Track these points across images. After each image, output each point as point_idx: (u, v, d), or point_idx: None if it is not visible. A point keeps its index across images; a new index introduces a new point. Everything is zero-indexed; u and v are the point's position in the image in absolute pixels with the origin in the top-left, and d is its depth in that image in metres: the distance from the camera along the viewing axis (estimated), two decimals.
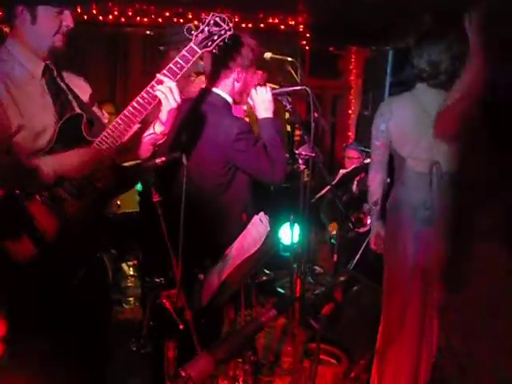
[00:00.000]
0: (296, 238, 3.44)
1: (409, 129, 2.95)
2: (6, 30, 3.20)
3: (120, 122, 2.22)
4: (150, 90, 2.25)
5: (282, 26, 7.40)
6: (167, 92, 2.23)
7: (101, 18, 6.54)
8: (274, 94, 3.03)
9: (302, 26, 7.53)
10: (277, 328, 4.28)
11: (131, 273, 5.14)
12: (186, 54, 2.26)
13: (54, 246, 2.14)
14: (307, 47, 7.62)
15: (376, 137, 3.14)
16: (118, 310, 4.67)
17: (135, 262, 5.10)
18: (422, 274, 2.94)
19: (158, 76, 2.25)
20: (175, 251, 1.95)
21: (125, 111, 2.23)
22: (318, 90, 7.60)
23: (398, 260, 3.08)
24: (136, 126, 2.27)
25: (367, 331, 3.58)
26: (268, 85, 3.83)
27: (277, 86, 4.11)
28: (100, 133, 2.24)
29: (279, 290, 5.03)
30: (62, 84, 2.38)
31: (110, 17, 6.66)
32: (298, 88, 3.07)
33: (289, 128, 5.15)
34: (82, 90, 2.49)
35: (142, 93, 2.25)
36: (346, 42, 7.92)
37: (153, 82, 2.25)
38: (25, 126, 2.15)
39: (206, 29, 2.26)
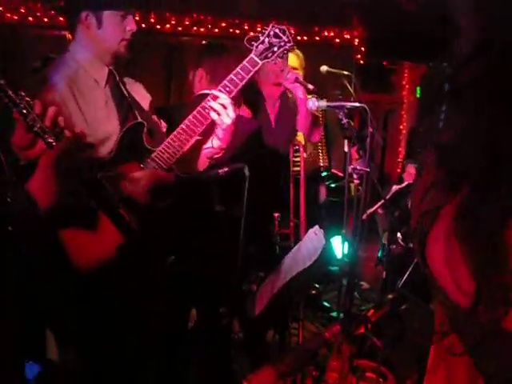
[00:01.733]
0: (345, 253, 3.42)
1: None
2: (69, 36, 3.28)
3: (181, 132, 2.22)
4: (206, 105, 2.24)
5: (337, 40, 7.39)
6: (220, 109, 2.21)
7: (158, 26, 6.63)
8: (331, 107, 3.03)
9: (357, 40, 7.50)
10: None
11: None
12: (246, 64, 2.23)
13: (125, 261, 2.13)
14: (361, 61, 7.58)
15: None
16: None
17: None
18: None
19: (213, 92, 2.24)
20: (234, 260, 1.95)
21: (186, 121, 2.23)
22: (370, 104, 7.52)
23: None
24: (195, 138, 2.26)
25: (415, 351, 3.52)
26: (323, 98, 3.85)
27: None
28: (159, 142, 2.25)
29: (325, 304, 4.99)
30: (124, 91, 2.39)
31: (168, 26, 6.75)
32: (357, 105, 3.05)
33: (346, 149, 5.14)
34: (142, 97, 2.50)
35: (199, 107, 2.24)
36: (402, 57, 7.85)
37: (209, 96, 2.24)
38: (89, 135, 2.10)
39: (267, 40, 2.23)
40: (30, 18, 6.75)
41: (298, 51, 4.37)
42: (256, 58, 2.23)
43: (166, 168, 2.23)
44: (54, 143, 1.73)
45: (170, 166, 2.24)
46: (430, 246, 1.28)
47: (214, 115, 2.21)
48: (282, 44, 2.25)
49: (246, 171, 2.00)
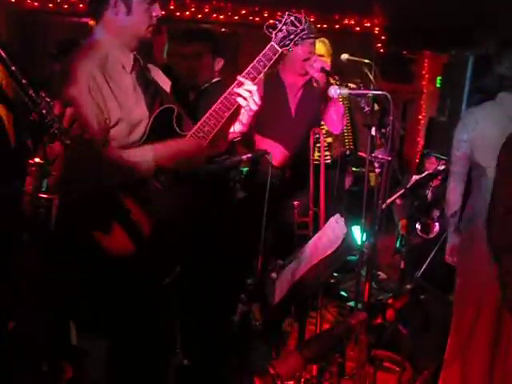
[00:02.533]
0: (364, 242, 3.40)
1: (494, 139, 2.86)
2: (91, 23, 3.27)
3: (210, 117, 2.25)
4: (233, 91, 2.28)
5: (358, 28, 7.34)
6: (248, 96, 2.27)
7: (178, 13, 6.62)
8: (353, 95, 3.02)
9: (377, 28, 7.44)
10: None
11: None
12: (268, 52, 2.29)
13: (150, 242, 2.15)
14: (381, 50, 7.52)
15: (457, 147, 3.07)
16: None
17: None
18: (497, 287, 2.85)
19: (239, 78, 2.28)
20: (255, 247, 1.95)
21: (214, 107, 2.27)
22: (390, 93, 7.47)
23: (472, 272, 3.00)
24: (222, 123, 2.29)
25: (433, 341, 3.51)
26: (349, 84, 3.83)
27: (355, 86, 4.09)
28: (186, 126, 2.28)
29: (343, 293, 4.98)
30: (149, 76, 2.40)
31: (187, 13, 6.74)
32: (379, 93, 3.03)
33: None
34: (164, 82, 2.51)
35: (229, 89, 2.28)
36: (423, 46, 7.78)
37: (235, 83, 2.28)
38: (123, 119, 2.17)
39: (284, 28, 2.29)
40: (50, 5, 6.77)
41: (324, 39, 4.35)
42: (276, 46, 2.29)
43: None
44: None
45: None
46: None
47: (241, 101, 2.26)
48: (299, 32, 2.31)
49: (270, 157, 1.99)
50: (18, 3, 6.67)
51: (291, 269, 2.30)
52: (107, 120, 2.15)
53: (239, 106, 2.32)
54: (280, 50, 2.30)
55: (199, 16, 6.82)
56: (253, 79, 2.29)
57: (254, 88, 2.27)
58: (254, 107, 2.30)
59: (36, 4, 6.74)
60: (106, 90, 2.15)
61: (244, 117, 2.36)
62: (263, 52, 2.30)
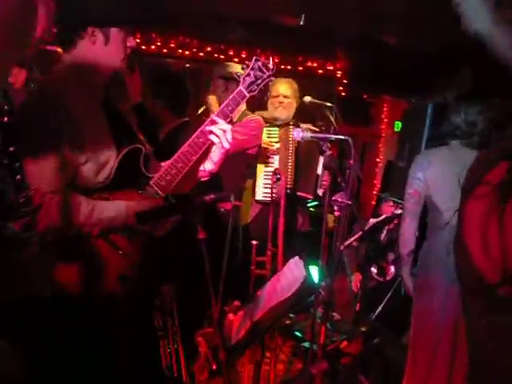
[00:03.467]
0: (319, 283, 3.41)
1: (447, 182, 2.94)
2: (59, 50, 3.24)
3: (178, 159, 2.25)
4: (205, 131, 2.29)
5: (320, 71, 7.46)
6: (221, 134, 2.28)
7: (144, 47, 6.63)
8: (315, 138, 3.05)
9: (339, 72, 7.58)
10: (294, 372, 4.21)
11: None
12: (236, 96, 2.33)
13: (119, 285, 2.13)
14: (343, 93, 7.66)
15: (411, 185, 3.14)
16: None
17: None
18: (451, 331, 2.88)
19: (212, 117, 2.30)
20: (215, 290, 1.93)
21: (182, 149, 2.27)
22: (350, 135, 7.59)
23: (426, 314, 3.03)
24: (191, 164, 2.30)
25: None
26: (309, 127, 3.89)
27: (317, 129, 4.16)
28: (153, 167, 2.28)
29: (297, 333, 4.95)
30: (119, 112, 2.35)
31: (153, 47, 6.76)
32: (341, 137, 3.08)
33: (319, 171, 5.14)
34: (132, 118, 2.47)
35: (197, 132, 2.29)
36: (382, 91, 7.95)
37: (206, 122, 2.29)
38: (91, 158, 2.11)
39: (252, 73, 2.35)
40: None
41: (292, 81, 4.43)
42: (244, 91, 2.34)
43: (164, 195, 2.26)
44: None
45: (168, 192, 2.27)
46: (467, 220, 1.48)
47: (214, 139, 2.28)
48: (265, 77, 2.37)
49: (232, 199, 2.00)
50: None
51: (249, 310, 2.28)
52: (76, 158, 2.09)
53: (207, 148, 2.33)
54: (247, 95, 2.34)
55: (164, 51, 6.84)
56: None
57: (228, 127, 2.30)
58: (227, 146, 2.32)
59: None
60: (76, 126, 2.08)
61: (215, 155, 2.38)
62: (231, 96, 2.33)
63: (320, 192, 4.54)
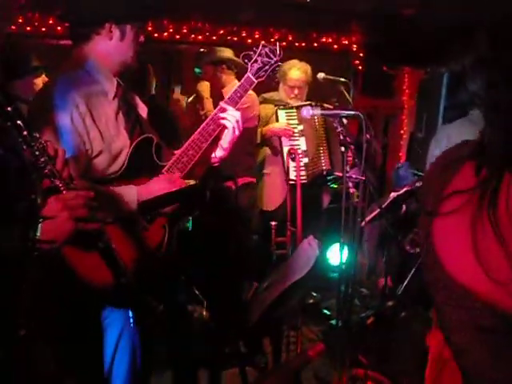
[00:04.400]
0: (344, 260, 3.40)
1: None
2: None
3: (189, 147, 2.30)
4: (215, 118, 2.34)
5: (336, 46, 7.38)
6: (234, 122, 2.33)
7: (156, 34, 6.62)
8: (325, 115, 3.03)
9: (355, 46, 7.49)
10: None
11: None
12: (244, 83, 2.38)
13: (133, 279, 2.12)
14: (360, 67, 7.57)
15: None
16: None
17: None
18: None
19: (222, 104, 2.34)
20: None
21: (193, 137, 2.31)
22: (370, 109, 7.54)
23: None
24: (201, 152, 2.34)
25: (415, 359, 3.49)
26: (324, 105, 3.87)
27: (331, 106, 4.13)
28: (165, 156, 2.31)
29: (325, 311, 4.96)
30: (131, 102, 2.39)
31: (165, 34, 6.75)
32: (352, 113, 3.04)
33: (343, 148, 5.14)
34: (141, 108, 2.50)
35: (208, 120, 2.33)
36: (400, 62, 7.84)
37: (216, 110, 2.34)
38: (104, 150, 2.14)
39: (259, 59, 2.38)
40: (28, 28, 6.75)
41: (306, 66, 4.41)
42: (252, 77, 2.39)
43: None
44: (62, 188, 1.69)
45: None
46: (443, 240, 1.28)
47: (227, 123, 2.33)
48: (273, 62, 2.42)
49: (236, 180, 2.00)
50: None
51: (265, 292, 2.29)
52: (89, 151, 2.12)
53: (217, 135, 2.36)
54: (256, 82, 2.39)
55: (177, 37, 6.82)
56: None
57: (238, 114, 2.34)
58: (238, 132, 2.37)
59: (13, 27, 6.72)
60: (89, 119, 2.12)
61: (225, 141, 2.41)
62: (240, 83, 2.39)
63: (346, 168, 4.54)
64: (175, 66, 7.52)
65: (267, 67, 2.39)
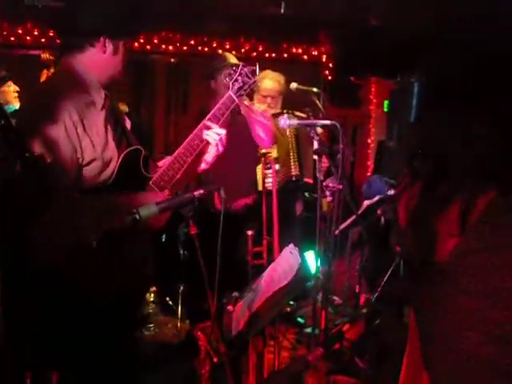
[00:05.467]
0: (317, 268, 3.43)
1: None
2: (44, 55, 3.25)
3: (175, 161, 2.37)
4: (199, 134, 2.40)
5: (305, 56, 7.46)
6: (217, 138, 2.42)
7: (127, 45, 6.60)
8: (302, 125, 3.05)
9: (324, 56, 7.57)
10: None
11: (152, 299, 5.14)
12: (226, 101, 2.46)
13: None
14: (329, 77, 7.66)
15: None
16: (138, 337, 4.63)
17: (155, 288, 5.10)
18: None
19: (206, 122, 2.42)
20: (210, 284, 1.95)
21: (178, 152, 2.38)
22: (339, 119, 7.60)
23: None
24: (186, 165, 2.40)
25: (389, 365, 3.53)
26: (297, 113, 3.91)
27: (303, 115, 4.17)
28: (151, 168, 2.39)
29: (300, 320, 4.99)
30: (117, 114, 2.43)
31: (136, 44, 6.74)
32: (328, 122, 3.08)
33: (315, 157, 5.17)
34: (126, 121, 2.55)
35: (192, 135, 2.40)
36: (370, 73, 7.95)
37: (200, 126, 2.41)
38: (96, 159, 2.18)
39: (240, 78, 2.49)
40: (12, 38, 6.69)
41: (279, 77, 4.45)
42: (233, 96, 2.47)
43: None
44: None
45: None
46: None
47: (211, 140, 2.41)
48: (251, 83, 2.53)
49: (222, 193, 2.01)
50: None
51: (247, 301, 2.30)
52: (80, 159, 2.15)
53: (201, 149, 2.44)
54: (236, 101, 2.47)
55: (148, 47, 6.83)
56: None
57: (222, 132, 2.43)
58: (221, 149, 2.46)
59: None
60: (81, 128, 2.15)
61: (209, 156, 2.50)
62: (222, 101, 2.47)
63: (319, 175, 4.57)
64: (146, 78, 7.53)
65: (246, 86, 2.49)
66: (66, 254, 2.00)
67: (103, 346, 2.12)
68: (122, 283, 2.14)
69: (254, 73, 2.51)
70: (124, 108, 5.48)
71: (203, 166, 2.53)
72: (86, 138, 2.16)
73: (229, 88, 2.47)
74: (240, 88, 2.47)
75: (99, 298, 2.05)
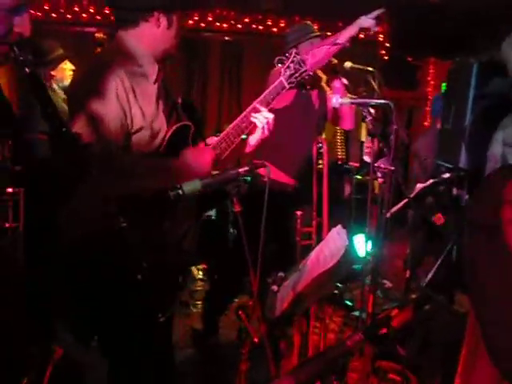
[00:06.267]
0: (368, 251, 3.38)
1: None
2: (98, 35, 3.28)
3: (222, 140, 2.37)
4: (248, 116, 2.39)
5: (362, 35, 7.31)
6: (264, 122, 2.39)
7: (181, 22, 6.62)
8: (355, 104, 3.00)
9: (381, 36, 7.42)
10: None
11: (200, 276, 5.17)
12: (278, 86, 2.43)
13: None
14: (385, 57, 7.51)
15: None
16: (185, 313, 4.68)
17: (205, 265, 5.13)
18: None
19: (255, 104, 2.40)
20: (253, 262, 1.93)
21: (226, 131, 2.38)
22: (394, 100, 7.46)
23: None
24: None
25: (439, 352, 3.46)
26: (348, 95, 3.83)
27: (354, 96, 4.08)
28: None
29: (348, 302, 4.94)
30: (168, 89, 2.44)
31: (190, 22, 6.74)
32: (382, 102, 3.00)
33: (363, 138, 5.08)
34: (177, 96, 2.58)
35: (241, 116, 2.39)
36: (427, 52, 7.76)
37: (249, 109, 2.39)
38: (145, 127, 2.20)
39: (292, 65, 2.43)
40: (54, 15, 6.79)
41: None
42: (285, 82, 2.43)
43: None
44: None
45: None
46: None
47: (258, 123, 2.39)
48: (303, 71, 2.45)
49: (268, 170, 1.98)
50: None
51: (292, 281, 2.27)
52: (129, 126, 2.17)
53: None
54: (287, 87, 2.42)
55: (202, 25, 6.82)
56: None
57: (271, 116, 2.40)
58: (267, 133, 2.43)
59: (39, 14, 6.76)
60: (132, 96, 2.17)
61: (254, 139, 2.50)
62: (273, 85, 2.43)
63: (366, 158, 4.50)
64: (200, 56, 7.54)
65: (297, 74, 2.43)
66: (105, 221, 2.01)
67: (139, 320, 2.12)
68: (158, 257, 2.13)
69: (304, 63, 2.45)
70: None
71: (248, 149, 2.53)
72: (136, 106, 2.18)
73: (280, 74, 2.43)
74: (291, 75, 2.42)
75: (132, 271, 2.05)
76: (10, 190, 2.16)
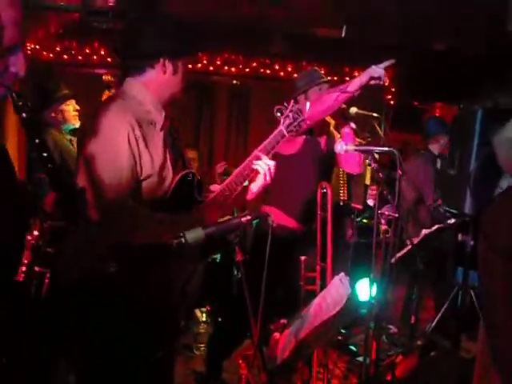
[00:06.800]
0: (371, 296, 3.36)
1: None
2: (106, 77, 3.33)
3: (226, 188, 2.38)
4: (250, 164, 2.40)
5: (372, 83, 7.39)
6: (266, 169, 2.40)
7: (190, 65, 6.72)
8: (359, 151, 3.02)
9: (387, 80, 7.49)
10: None
11: (204, 319, 5.15)
12: (277, 135, 2.45)
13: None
14: (392, 101, 7.57)
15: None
16: (188, 356, 4.64)
17: (208, 307, 5.11)
18: None
19: (257, 152, 2.41)
20: (254, 311, 1.93)
21: (230, 179, 2.40)
22: (401, 144, 7.51)
23: None
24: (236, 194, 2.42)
25: None
26: (357, 140, 3.86)
27: (363, 141, 4.11)
28: (203, 194, 2.42)
29: (352, 348, 4.89)
30: (175, 136, 2.45)
31: (199, 65, 6.84)
32: (386, 149, 3.03)
33: (367, 181, 5.08)
34: (182, 142, 2.58)
35: (243, 165, 2.41)
36: (432, 98, 7.82)
37: (251, 157, 2.41)
38: (153, 175, 2.22)
39: (291, 115, 2.45)
40: (65, 56, 6.91)
41: None
42: (284, 131, 2.45)
43: None
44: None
45: None
46: None
47: (260, 169, 2.40)
48: (301, 120, 2.48)
49: (270, 220, 2.00)
50: (33, 54, 6.81)
51: (294, 329, 2.26)
52: (139, 173, 2.19)
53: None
54: (287, 136, 2.45)
55: (211, 68, 6.92)
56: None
57: (272, 163, 2.41)
58: (268, 180, 2.43)
59: (51, 55, 6.88)
60: (142, 143, 2.19)
61: (256, 185, 2.49)
62: (273, 134, 2.45)
63: (370, 202, 4.50)
64: (208, 99, 7.63)
65: (296, 123, 2.46)
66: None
67: (134, 363, 2.12)
68: (158, 297, 2.13)
69: (303, 111, 2.50)
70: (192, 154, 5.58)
71: (250, 196, 2.52)
72: (147, 154, 2.20)
73: (280, 123, 2.45)
74: (290, 124, 2.45)
75: (133, 309, 2.05)
76: None
